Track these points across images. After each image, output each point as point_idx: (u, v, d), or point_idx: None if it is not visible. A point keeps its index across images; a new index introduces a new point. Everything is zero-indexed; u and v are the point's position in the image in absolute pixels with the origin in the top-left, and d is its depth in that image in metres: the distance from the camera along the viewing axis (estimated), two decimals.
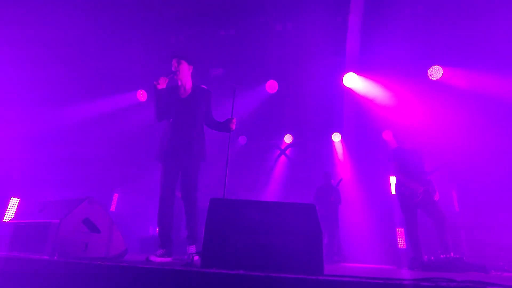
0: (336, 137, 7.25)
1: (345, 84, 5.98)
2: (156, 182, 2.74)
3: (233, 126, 2.82)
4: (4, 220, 4.39)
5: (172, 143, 2.71)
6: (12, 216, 4.42)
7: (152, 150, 2.88)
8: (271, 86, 6.43)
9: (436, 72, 5.42)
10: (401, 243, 5.88)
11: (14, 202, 4.59)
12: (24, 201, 4.59)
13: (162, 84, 2.70)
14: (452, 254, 3.29)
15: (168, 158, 2.70)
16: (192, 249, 2.55)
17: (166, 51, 2.75)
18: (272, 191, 7.42)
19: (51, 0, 4.38)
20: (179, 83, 2.89)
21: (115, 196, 6.43)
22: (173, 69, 2.81)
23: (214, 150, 7.22)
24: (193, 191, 2.68)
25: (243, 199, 2.16)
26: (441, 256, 3.31)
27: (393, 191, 4.01)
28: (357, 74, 5.90)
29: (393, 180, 4.07)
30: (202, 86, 2.93)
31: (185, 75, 2.85)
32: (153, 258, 2.35)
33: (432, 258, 3.33)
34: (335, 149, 7.38)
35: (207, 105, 2.89)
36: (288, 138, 7.72)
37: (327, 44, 5.44)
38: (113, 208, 6.31)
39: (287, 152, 7.91)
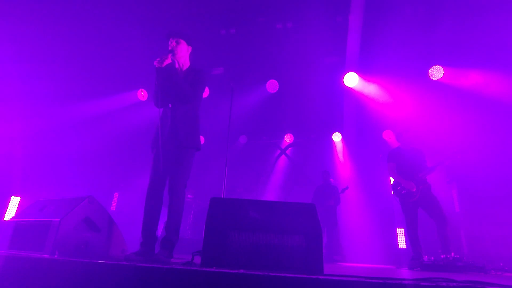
0: (337, 137, 7.25)
1: (345, 84, 5.98)
2: None
3: None
4: (4, 219, 4.40)
5: (161, 129, 2.49)
6: (13, 215, 4.43)
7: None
8: (272, 85, 6.43)
9: (437, 72, 5.41)
10: (401, 243, 5.88)
11: (14, 200, 4.60)
12: (25, 199, 4.60)
13: (163, 63, 2.41)
14: (452, 254, 3.29)
15: (156, 146, 2.49)
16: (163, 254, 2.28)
17: (166, 50, 2.61)
18: (272, 190, 7.43)
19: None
20: (176, 65, 2.66)
21: (116, 195, 6.44)
22: (169, 48, 2.54)
23: (214, 149, 7.25)
24: (178, 186, 2.39)
25: (243, 198, 2.15)
26: (441, 256, 3.31)
27: (392, 192, 4.02)
28: (357, 74, 5.89)
29: (392, 180, 4.08)
30: (198, 68, 2.66)
31: (183, 56, 2.61)
32: (131, 256, 2.19)
33: (432, 258, 3.33)
34: (336, 149, 7.38)
35: (190, 81, 2.55)
36: (288, 138, 7.72)
37: (328, 43, 5.44)
38: (113, 207, 6.33)
39: (288, 151, 7.92)
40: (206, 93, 6.59)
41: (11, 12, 4.23)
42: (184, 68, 2.66)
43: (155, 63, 2.40)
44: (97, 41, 5.21)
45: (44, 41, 4.67)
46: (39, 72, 4.71)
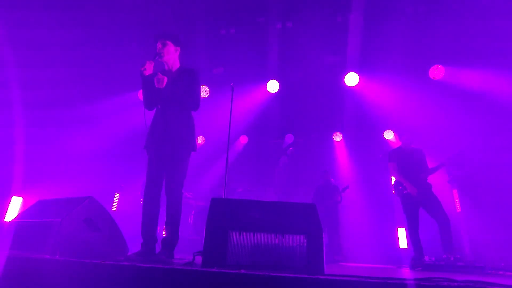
0: (337, 137, 7.23)
1: (346, 83, 5.97)
2: None
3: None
4: (5, 220, 4.40)
5: (155, 130, 2.51)
6: (14, 215, 4.43)
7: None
8: (272, 85, 6.42)
9: (437, 72, 5.39)
10: (402, 243, 5.87)
11: (16, 201, 4.61)
12: (26, 200, 4.61)
13: (149, 69, 2.47)
14: (453, 254, 3.29)
15: (151, 147, 2.50)
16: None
17: (153, 53, 2.62)
18: (272, 190, 7.42)
19: (51, 0, 4.40)
20: (166, 67, 2.67)
21: (117, 196, 6.45)
22: (157, 51, 2.57)
23: (215, 149, 7.24)
24: (175, 186, 2.39)
25: (244, 199, 2.16)
26: (443, 256, 3.31)
27: (394, 191, 4.02)
28: (358, 73, 5.89)
29: (393, 179, 4.08)
30: (189, 67, 2.64)
31: (171, 57, 2.62)
32: (132, 256, 2.21)
33: (433, 258, 3.33)
34: (336, 149, 7.37)
35: (186, 84, 2.55)
36: (289, 138, 7.71)
37: (328, 43, 5.44)
38: (114, 207, 6.33)
39: (288, 152, 7.90)
40: (206, 93, 6.59)
41: (12, 15, 4.24)
42: (174, 69, 2.66)
43: (140, 69, 2.45)
44: (99, 42, 5.22)
45: (45, 41, 4.67)
46: (40, 72, 4.72)
